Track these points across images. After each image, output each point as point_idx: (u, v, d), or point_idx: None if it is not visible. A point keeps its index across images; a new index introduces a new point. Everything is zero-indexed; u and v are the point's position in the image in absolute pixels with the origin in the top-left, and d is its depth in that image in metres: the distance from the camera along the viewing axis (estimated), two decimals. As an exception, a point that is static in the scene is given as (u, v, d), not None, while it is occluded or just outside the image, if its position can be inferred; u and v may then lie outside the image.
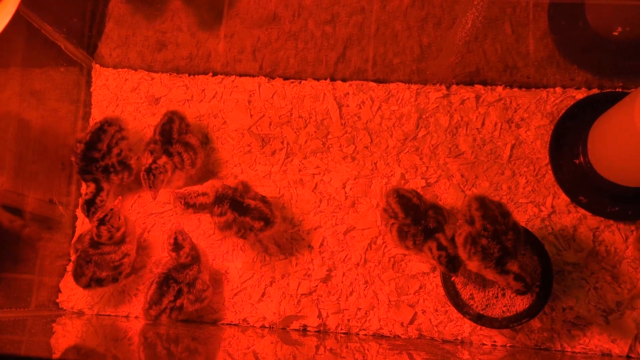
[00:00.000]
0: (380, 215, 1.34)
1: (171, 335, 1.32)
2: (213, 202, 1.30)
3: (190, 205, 1.32)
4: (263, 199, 1.33)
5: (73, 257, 1.42)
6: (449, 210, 1.42)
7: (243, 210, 1.29)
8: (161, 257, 1.41)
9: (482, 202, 1.22)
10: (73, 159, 1.40)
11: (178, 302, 1.33)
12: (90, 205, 1.41)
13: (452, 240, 1.25)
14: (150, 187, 1.36)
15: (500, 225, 1.19)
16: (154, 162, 1.36)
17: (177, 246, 1.33)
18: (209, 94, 1.58)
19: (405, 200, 1.27)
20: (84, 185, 1.49)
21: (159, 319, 1.33)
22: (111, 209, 1.35)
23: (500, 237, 1.18)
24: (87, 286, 1.36)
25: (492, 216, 1.20)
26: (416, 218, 1.25)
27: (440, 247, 1.22)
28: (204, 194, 1.32)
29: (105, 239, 1.34)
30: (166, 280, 1.33)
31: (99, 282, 1.36)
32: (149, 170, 1.35)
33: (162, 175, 1.36)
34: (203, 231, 1.48)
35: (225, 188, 1.31)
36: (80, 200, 1.42)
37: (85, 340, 1.31)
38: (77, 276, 1.36)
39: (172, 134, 1.41)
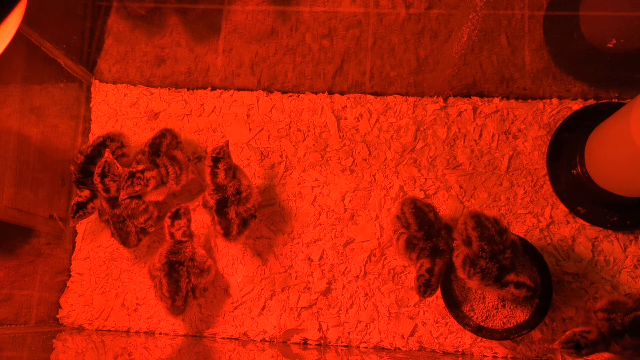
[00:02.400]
0: (391, 221, 1.33)
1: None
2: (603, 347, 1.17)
3: (582, 353, 1.16)
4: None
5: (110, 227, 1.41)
6: (449, 222, 1.43)
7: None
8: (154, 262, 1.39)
9: (479, 221, 1.21)
10: (72, 168, 1.41)
11: (194, 280, 1.33)
12: (79, 208, 1.39)
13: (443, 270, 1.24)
14: (122, 188, 1.33)
15: (498, 245, 1.18)
16: (142, 171, 1.33)
17: (175, 215, 1.34)
18: (207, 109, 1.59)
19: (421, 213, 1.26)
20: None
21: (187, 305, 1.33)
22: (105, 161, 1.34)
23: (498, 257, 1.18)
24: (138, 242, 1.39)
25: (489, 236, 1.19)
26: (429, 234, 1.25)
27: (429, 271, 1.22)
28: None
29: (114, 190, 1.34)
30: (172, 268, 1.32)
31: (144, 231, 1.39)
32: (132, 175, 1.33)
33: (139, 187, 1.33)
34: (203, 244, 1.48)
35: (607, 323, 1.16)
36: (72, 201, 1.40)
37: (85, 356, 1.31)
38: (124, 239, 1.38)
39: (161, 147, 1.41)
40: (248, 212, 1.34)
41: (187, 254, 1.34)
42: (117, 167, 1.35)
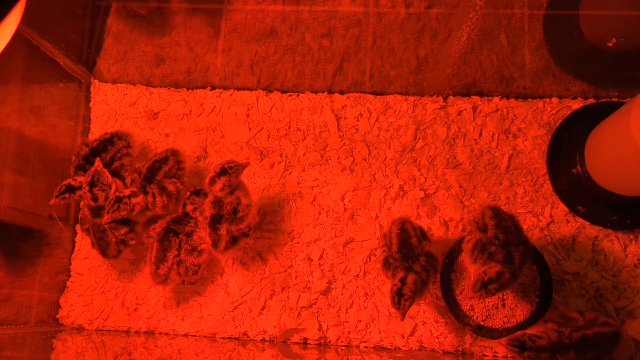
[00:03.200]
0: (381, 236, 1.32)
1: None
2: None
3: (525, 355, 1.15)
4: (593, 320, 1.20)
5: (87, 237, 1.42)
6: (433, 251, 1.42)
7: (589, 345, 1.17)
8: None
9: (497, 212, 1.22)
10: (73, 157, 1.41)
11: (182, 255, 1.33)
12: (68, 190, 1.35)
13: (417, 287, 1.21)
14: (108, 212, 1.32)
15: (514, 236, 1.18)
16: (129, 197, 1.33)
17: (223, 172, 1.28)
18: (207, 108, 1.59)
19: (405, 236, 1.24)
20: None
21: (169, 278, 1.33)
22: (95, 170, 1.33)
23: (510, 247, 1.17)
24: (118, 253, 1.38)
25: (506, 226, 1.19)
26: (406, 257, 1.23)
27: (402, 280, 1.19)
28: None
29: (102, 199, 1.33)
30: (166, 235, 1.33)
31: (124, 243, 1.38)
32: (118, 200, 1.32)
33: (124, 212, 1.32)
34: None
35: (557, 335, 1.17)
36: (66, 180, 1.36)
37: (85, 356, 1.31)
38: (104, 249, 1.37)
39: (157, 174, 1.39)
40: (240, 231, 1.32)
41: (186, 228, 1.35)
42: (107, 177, 1.34)
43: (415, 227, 1.27)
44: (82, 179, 1.37)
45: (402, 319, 1.20)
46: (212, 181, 1.29)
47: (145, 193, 1.37)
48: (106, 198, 1.34)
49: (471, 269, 1.23)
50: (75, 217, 1.56)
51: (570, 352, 1.13)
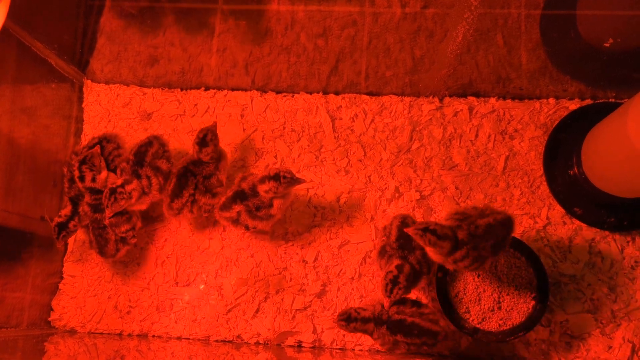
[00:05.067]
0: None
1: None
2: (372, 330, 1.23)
3: (351, 327, 1.23)
4: (420, 311, 1.24)
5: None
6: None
7: (403, 330, 1.21)
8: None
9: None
10: (65, 169, 1.40)
11: (197, 195, 1.38)
12: (61, 229, 1.36)
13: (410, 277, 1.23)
14: (107, 206, 1.33)
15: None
16: (122, 186, 1.33)
17: (203, 142, 1.35)
18: (201, 109, 1.58)
19: (405, 227, 1.24)
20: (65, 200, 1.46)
21: (182, 213, 1.39)
22: (91, 152, 1.34)
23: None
24: (116, 252, 1.38)
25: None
26: (402, 246, 1.24)
27: (399, 267, 1.20)
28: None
29: (89, 180, 1.34)
30: (185, 174, 1.37)
31: (124, 241, 1.38)
32: (113, 191, 1.32)
33: (123, 202, 1.33)
34: (197, 246, 1.47)
35: (381, 309, 1.23)
36: (54, 221, 1.37)
37: (77, 360, 1.30)
38: (102, 247, 1.38)
39: (146, 156, 1.39)
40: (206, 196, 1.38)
41: (204, 171, 1.38)
42: (100, 161, 1.34)
43: (422, 224, 1.25)
44: (66, 211, 1.37)
45: (388, 308, 1.21)
46: (262, 180, 1.29)
47: (139, 177, 1.37)
48: (93, 179, 1.34)
49: (382, 274, 1.24)
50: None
51: (385, 326, 1.20)
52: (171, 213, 1.39)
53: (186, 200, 1.37)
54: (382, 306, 1.23)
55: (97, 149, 1.36)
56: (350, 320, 1.21)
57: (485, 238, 1.14)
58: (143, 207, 1.40)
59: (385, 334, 1.21)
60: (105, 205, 1.33)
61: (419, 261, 1.24)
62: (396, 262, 1.22)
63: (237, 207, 1.33)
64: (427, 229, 1.12)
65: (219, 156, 1.39)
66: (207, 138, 1.35)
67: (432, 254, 1.16)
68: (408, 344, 1.21)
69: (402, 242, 1.25)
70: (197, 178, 1.38)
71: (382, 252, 1.27)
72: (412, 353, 1.24)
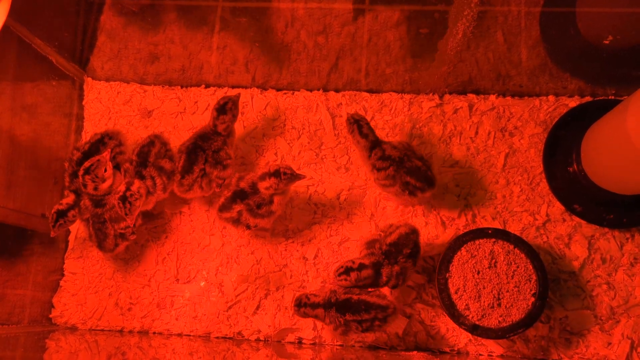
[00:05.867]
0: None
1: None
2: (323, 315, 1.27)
3: (301, 311, 1.28)
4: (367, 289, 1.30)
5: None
6: (444, 221, 1.42)
7: (351, 308, 1.26)
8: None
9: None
10: (66, 164, 1.40)
11: (207, 169, 1.37)
12: (60, 216, 1.34)
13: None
14: (126, 214, 1.32)
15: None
16: (128, 188, 1.32)
17: (222, 110, 1.36)
18: (201, 106, 1.58)
19: (404, 240, 1.29)
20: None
21: (192, 189, 1.38)
22: (98, 160, 1.32)
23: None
24: (114, 247, 1.38)
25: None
26: (388, 253, 1.27)
27: (360, 268, 1.24)
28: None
29: (91, 189, 1.33)
30: (194, 150, 1.37)
31: (123, 237, 1.38)
32: (124, 198, 1.31)
33: (138, 202, 1.32)
34: (197, 243, 1.48)
35: (330, 293, 1.27)
36: (54, 208, 1.35)
37: (78, 356, 1.30)
38: (101, 241, 1.37)
39: (149, 157, 1.39)
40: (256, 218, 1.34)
41: (214, 145, 1.37)
42: (104, 170, 1.33)
43: (418, 243, 1.30)
44: (69, 200, 1.36)
45: (325, 285, 1.30)
46: (263, 177, 1.30)
47: (143, 178, 1.37)
48: (95, 189, 1.33)
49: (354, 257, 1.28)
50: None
51: (334, 308, 1.24)
52: (181, 190, 1.39)
53: (197, 175, 1.37)
54: (332, 291, 1.26)
55: (107, 154, 1.34)
56: (300, 305, 1.25)
57: (399, 251, 1.26)
58: (149, 207, 1.40)
59: (336, 316, 1.24)
60: (124, 214, 1.32)
61: (390, 275, 1.26)
62: (367, 260, 1.25)
63: (238, 207, 1.33)
64: (299, 305, 1.25)
65: (230, 131, 1.40)
66: (227, 106, 1.36)
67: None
68: (359, 322, 1.23)
69: (392, 250, 1.26)
70: (206, 152, 1.38)
71: (370, 245, 1.28)
72: (366, 331, 1.25)
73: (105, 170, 1.33)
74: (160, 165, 1.39)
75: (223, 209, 1.34)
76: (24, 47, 1.39)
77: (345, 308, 1.23)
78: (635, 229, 1.38)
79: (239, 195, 1.33)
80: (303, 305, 1.25)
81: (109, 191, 1.35)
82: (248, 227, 1.35)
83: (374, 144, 1.33)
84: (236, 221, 1.35)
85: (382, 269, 1.25)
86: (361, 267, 1.24)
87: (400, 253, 1.26)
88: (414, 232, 1.29)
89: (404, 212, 1.44)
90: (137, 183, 1.34)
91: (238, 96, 1.38)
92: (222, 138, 1.39)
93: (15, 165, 1.38)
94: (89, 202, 1.36)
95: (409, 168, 1.32)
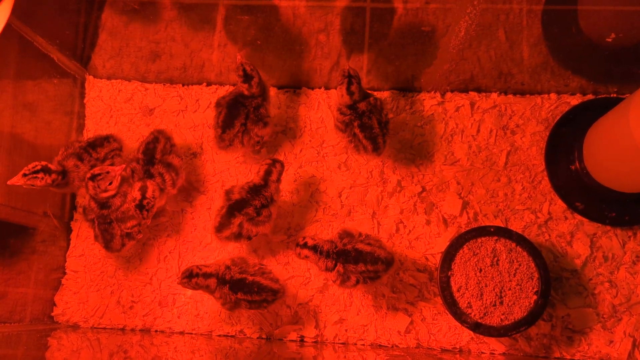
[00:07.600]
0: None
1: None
2: (214, 288, 1.28)
3: (192, 282, 1.27)
4: (262, 271, 1.31)
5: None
6: (445, 218, 1.42)
7: (244, 288, 1.27)
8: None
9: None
10: (68, 148, 1.39)
11: (249, 125, 1.37)
12: (42, 171, 1.31)
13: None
14: (144, 218, 1.33)
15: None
16: (144, 196, 1.31)
17: (247, 77, 1.35)
18: (203, 104, 1.58)
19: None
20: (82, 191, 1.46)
21: (233, 145, 1.38)
22: (107, 172, 1.33)
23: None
24: (121, 247, 1.38)
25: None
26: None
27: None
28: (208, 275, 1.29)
29: (91, 193, 1.33)
30: (235, 105, 1.36)
31: (130, 236, 1.37)
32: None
33: (153, 203, 1.33)
34: (199, 241, 1.48)
35: (224, 269, 1.28)
36: (42, 162, 1.33)
37: (80, 355, 1.30)
38: (107, 242, 1.37)
39: (155, 154, 1.39)
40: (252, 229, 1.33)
41: (253, 103, 1.37)
42: (109, 183, 1.33)
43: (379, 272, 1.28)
44: (68, 163, 1.36)
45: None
46: (268, 172, 1.32)
47: (152, 176, 1.37)
48: (95, 195, 1.33)
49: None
50: (70, 214, 1.55)
51: (226, 286, 1.26)
52: (222, 145, 1.38)
53: (237, 130, 1.36)
54: (227, 267, 1.27)
55: (122, 171, 1.34)
56: (192, 276, 1.24)
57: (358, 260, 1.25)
58: (162, 202, 1.40)
59: (228, 294, 1.26)
60: (143, 217, 1.33)
61: (331, 268, 1.26)
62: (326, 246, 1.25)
63: (237, 220, 1.30)
64: (191, 275, 1.25)
65: (263, 87, 1.40)
66: (247, 71, 1.36)
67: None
68: (249, 302, 1.26)
69: (352, 254, 1.25)
70: (247, 108, 1.37)
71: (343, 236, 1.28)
72: (253, 308, 1.29)
73: (110, 184, 1.33)
74: (168, 162, 1.39)
75: (222, 228, 1.31)
76: (26, 45, 1.39)
77: (238, 287, 1.25)
78: (637, 226, 1.38)
79: (235, 208, 1.30)
80: (195, 276, 1.24)
81: (107, 200, 1.35)
82: (249, 238, 1.34)
83: (354, 102, 1.35)
84: (238, 236, 1.32)
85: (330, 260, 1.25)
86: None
87: (358, 262, 1.24)
88: (387, 262, 1.26)
89: (405, 211, 1.44)
90: (150, 186, 1.33)
91: (245, 55, 1.38)
92: (260, 98, 1.39)
93: (17, 163, 1.38)
94: (94, 204, 1.36)
95: (364, 124, 1.34)
